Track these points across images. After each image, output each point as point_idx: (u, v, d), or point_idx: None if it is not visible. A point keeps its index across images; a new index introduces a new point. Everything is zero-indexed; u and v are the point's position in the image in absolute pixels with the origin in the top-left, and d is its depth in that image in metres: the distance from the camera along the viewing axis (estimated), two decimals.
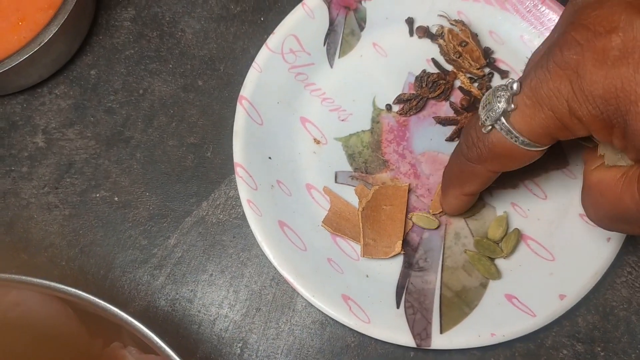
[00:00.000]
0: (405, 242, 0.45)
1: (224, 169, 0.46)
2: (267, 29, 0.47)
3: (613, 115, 0.30)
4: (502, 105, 0.33)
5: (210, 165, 0.47)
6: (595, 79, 0.29)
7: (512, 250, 0.44)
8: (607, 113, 0.30)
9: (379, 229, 0.44)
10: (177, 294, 0.45)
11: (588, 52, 0.30)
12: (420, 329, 0.42)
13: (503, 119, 0.34)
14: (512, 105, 0.33)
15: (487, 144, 0.35)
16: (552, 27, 0.45)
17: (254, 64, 0.46)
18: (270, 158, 0.45)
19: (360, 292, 0.43)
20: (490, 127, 0.35)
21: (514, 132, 0.34)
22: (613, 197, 0.34)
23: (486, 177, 0.38)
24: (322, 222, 0.44)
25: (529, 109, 0.33)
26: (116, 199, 0.47)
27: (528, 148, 0.34)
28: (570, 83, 0.30)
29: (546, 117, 0.32)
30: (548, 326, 0.43)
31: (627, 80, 0.29)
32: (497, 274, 0.43)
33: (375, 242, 0.44)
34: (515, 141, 0.34)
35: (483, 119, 0.35)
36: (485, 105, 0.35)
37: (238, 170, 0.44)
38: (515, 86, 0.33)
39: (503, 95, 0.33)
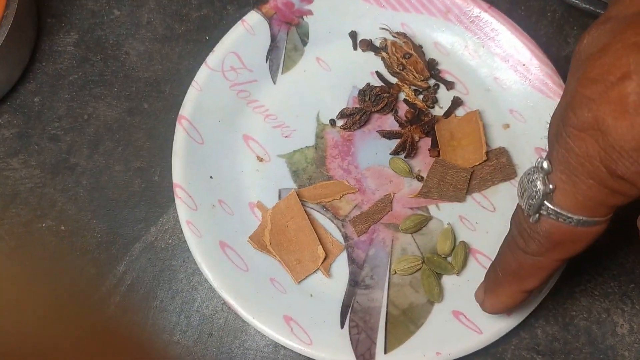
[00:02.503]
0: (351, 260, 0.44)
1: (172, 193, 0.44)
2: (213, 48, 0.47)
3: None
4: (539, 188, 0.30)
5: (158, 189, 0.46)
6: (621, 132, 0.27)
7: (463, 266, 0.43)
8: None
9: (296, 247, 0.43)
10: (128, 322, 0.44)
11: (604, 106, 0.27)
12: (363, 349, 0.41)
13: (547, 203, 0.30)
14: (551, 186, 0.30)
15: (542, 233, 0.32)
16: (495, 37, 0.45)
17: (193, 82, 0.45)
18: (211, 177, 0.45)
19: (303, 313, 0.42)
20: (537, 215, 0.31)
21: (564, 213, 0.30)
22: None
23: (552, 268, 0.34)
24: (249, 237, 0.44)
25: (568, 185, 0.29)
26: (62, 228, 0.46)
27: (586, 226, 0.31)
28: (597, 144, 0.28)
29: (588, 187, 0.29)
30: (506, 339, 0.42)
31: None
32: (438, 296, 0.42)
33: (299, 261, 0.43)
34: (570, 222, 0.30)
35: (526, 209, 0.32)
36: (522, 193, 0.32)
37: (177, 191, 0.43)
38: (545, 165, 0.30)
39: (536, 177, 0.31)
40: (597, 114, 0.27)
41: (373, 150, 0.46)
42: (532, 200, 0.31)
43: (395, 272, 0.43)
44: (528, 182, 0.31)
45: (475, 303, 0.41)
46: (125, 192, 0.47)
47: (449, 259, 0.43)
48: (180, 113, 0.45)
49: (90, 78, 0.49)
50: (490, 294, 0.38)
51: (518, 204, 0.33)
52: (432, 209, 0.45)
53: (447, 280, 0.43)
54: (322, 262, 0.43)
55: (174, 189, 0.43)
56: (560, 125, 0.29)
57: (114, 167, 0.47)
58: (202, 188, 0.44)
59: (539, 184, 0.30)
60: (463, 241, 0.43)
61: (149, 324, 0.44)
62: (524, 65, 0.46)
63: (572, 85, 0.29)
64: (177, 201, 0.43)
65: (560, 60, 0.47)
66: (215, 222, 0.44)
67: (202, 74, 0.46)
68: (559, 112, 0.30)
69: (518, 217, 0.34)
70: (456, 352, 0.40)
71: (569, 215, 0.30)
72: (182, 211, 0.43)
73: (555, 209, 0.30)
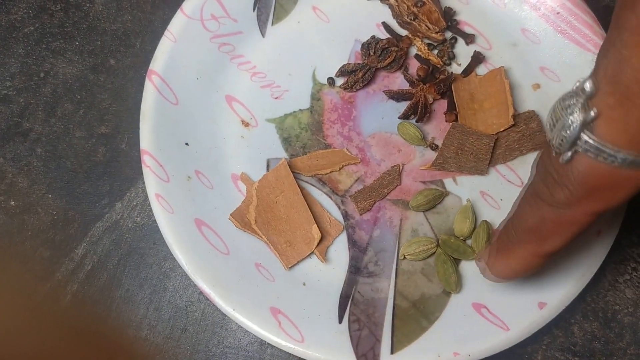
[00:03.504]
0: (352, 243, 0.40)
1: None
2: None
3: None
4: (577, 117, 0.26)
5: (125, 159, 0.43)
6: None
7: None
8: None
9: (286, 227, 0.40)
10: (87, 314, 0.42)
11: None
12: (366, 349, 0.37)
13: (585, 136, 0.26)
14: (592, 113, 0.26)
15: (574, 177, 0.28)
16: None
17: (166, 32, 0.42)
18: (187, 144, 0.41)
19: (294, 304, 0.38)
20: (569, 153, 0.27)
21: (607, 148, 0.26)
22: None
23: (581, 226, 0.30)
24: (231, 214, 0.40)
25: (616, 111, 0.25)
26: (12, 203, 0.43)
27: (634, 168, 0.26)
28: None
29: None
30: (536, 338, 0.39)
31: None
32: (455, 286, 0.39)
33: (290, 244, 0.39)
34: (613, 162, 0.26)
35: (556, 145, 0.28)
36: (554, 125, 0.28)
37: (145, 158, 0.40)
38: (588, 85, 0.26)
39: (574, 103, 0.27)
40: None
41: (378, 114, 0.42)
42: (567, 131, 0.27)
43: (405, 257, 0.40)
44: (563, 108, 0.27)
45: (502, 294, 0.38)
46: (86, 163, 0.43)
47: (469, 241, 0.40)
48: (150, 67, 0.41)
49: (49, 30, 0.46)
50: (499, 256, 0.34)
51: (546, 142, 0.30)
52: (449, 182, 0.41)
53: (466, 267, 0.40)
54: (318, 245, 0.40)
55: (142, 156, 0.40)
56: (614, 34, 0.25)
57: (74, 133, 0.44)
58: (175, 156, 0.40)
59: (577, 112, 0.26)
60: (485, 221, 0.40)
61: (111, 316, 0.42)
62: (557, 13, 0.42)
63: None
64: (145, 171, 0.40)
65: (600, 10, 0.43)
66: (191, 196, 0.40)
67: (178, 22, 0.42)
68: (613, 19, 0.26)
69: (543, 159, 0.30)
70: (478, 352, 0.37)
71: (614, 150, 0.26)
72: (151, 183, 0.40)
73: (596, 142, 0.26)
